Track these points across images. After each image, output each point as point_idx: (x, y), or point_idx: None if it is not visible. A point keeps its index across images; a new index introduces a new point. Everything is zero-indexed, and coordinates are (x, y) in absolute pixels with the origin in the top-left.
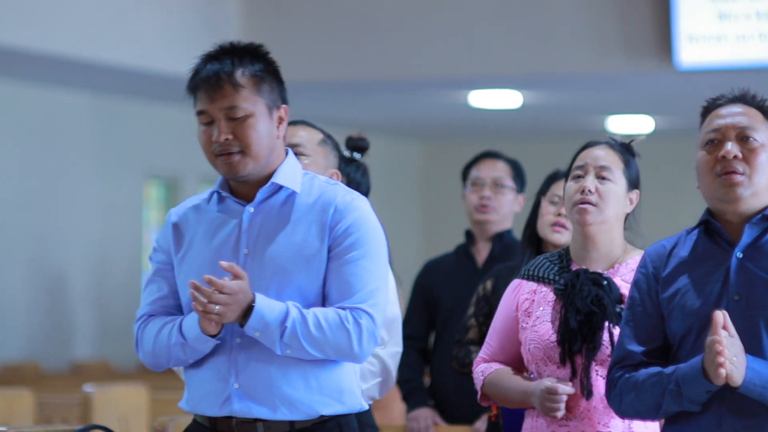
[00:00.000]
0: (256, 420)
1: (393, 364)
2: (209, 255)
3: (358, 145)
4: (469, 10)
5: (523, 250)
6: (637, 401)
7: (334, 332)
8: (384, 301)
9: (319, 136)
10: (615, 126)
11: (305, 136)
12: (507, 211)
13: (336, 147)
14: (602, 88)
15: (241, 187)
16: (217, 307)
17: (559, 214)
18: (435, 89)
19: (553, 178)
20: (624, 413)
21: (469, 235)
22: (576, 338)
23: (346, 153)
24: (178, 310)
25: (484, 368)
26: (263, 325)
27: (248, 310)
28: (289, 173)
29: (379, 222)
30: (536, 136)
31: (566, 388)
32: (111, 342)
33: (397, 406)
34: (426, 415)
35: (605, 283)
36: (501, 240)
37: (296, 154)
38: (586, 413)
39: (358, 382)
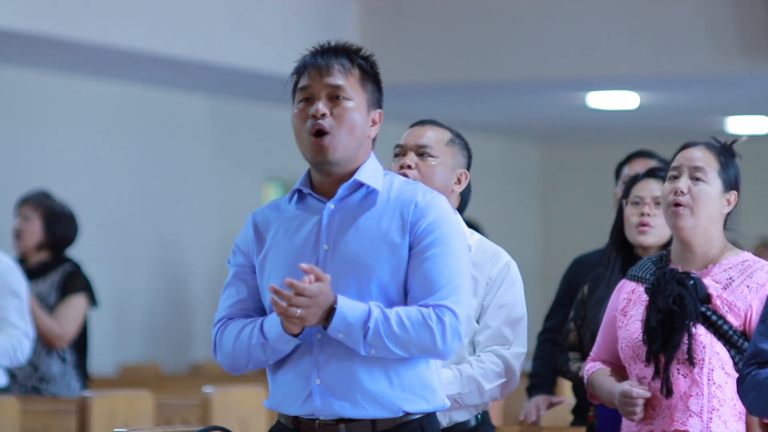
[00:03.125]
0: (338, 421)
1: (517, 365)
2: (290, 253)
3: None
4: (587, 12)
5: (608, 257)
6: (759, 399)
7: (417, 330)
8: (467, 297)
9: (448, 135)
10: (734, 127)
11: (433, 137)
12: None
13: (465, 147)
14: (720, 88)
15: (323, 184)
16: (298, 311)
17: (642, 214)
18: (553, 90)
19: (632, 182)
20: (750, 410)
21: None
22: (656, 337)
23: None
24: (256, 312)
25: (589, 367)
26: (346, 326)
27: (330, 312)
28: (371, 172)
29: (458, 220)
30: (653, 137)
31: (641, 392)
32: None
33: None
34: (539, 400)
35: (691, 282)
36: None
37: (423, 154)
38: (667, 411)
39: (440, 380)
